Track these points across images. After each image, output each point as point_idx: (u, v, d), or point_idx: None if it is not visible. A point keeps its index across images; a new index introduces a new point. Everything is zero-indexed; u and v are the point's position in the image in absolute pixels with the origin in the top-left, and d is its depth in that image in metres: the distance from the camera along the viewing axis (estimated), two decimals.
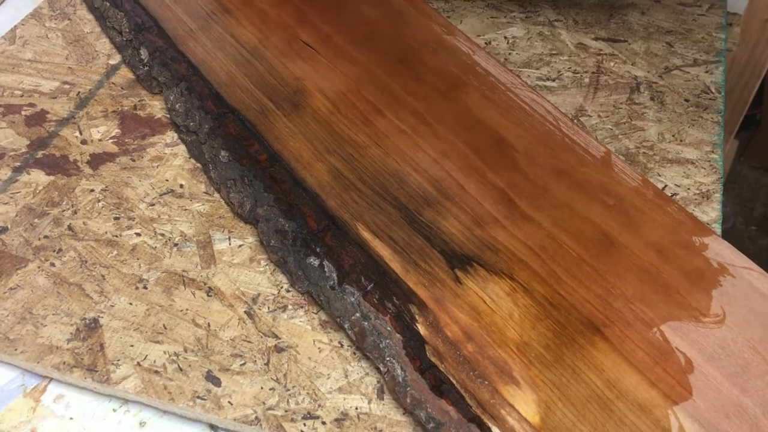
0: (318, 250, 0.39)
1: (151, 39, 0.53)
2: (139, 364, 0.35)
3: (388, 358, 0.34)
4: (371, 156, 0.44)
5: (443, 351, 0.34)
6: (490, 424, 0.31)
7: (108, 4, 0.56)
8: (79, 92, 0.51)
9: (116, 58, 0.54)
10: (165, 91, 0.50)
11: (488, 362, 0.33)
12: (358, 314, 0.36)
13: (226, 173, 0.43)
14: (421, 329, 0.35)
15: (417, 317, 0.35)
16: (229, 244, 0.41)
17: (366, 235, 0.39)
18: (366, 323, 0.35)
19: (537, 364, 0.33)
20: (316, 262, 0.38)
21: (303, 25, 0.53)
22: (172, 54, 0.51)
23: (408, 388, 0.33)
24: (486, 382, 0.33)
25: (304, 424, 0.33)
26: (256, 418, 0.33)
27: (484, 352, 0.34)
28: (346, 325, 0.36)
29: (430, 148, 0.44)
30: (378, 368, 0.35)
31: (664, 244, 0.38)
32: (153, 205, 0.44)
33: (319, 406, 0.34)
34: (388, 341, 0.34)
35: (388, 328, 0.35)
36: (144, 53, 0.52)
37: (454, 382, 0.33)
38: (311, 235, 0.39)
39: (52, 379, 0.36)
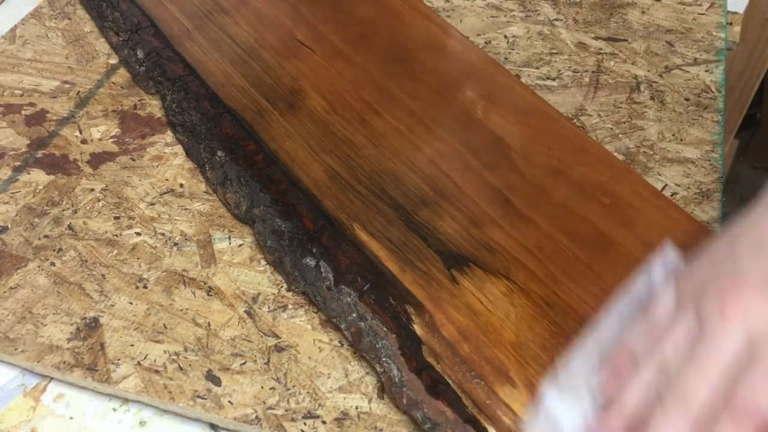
0: (314, 250, 0.39)
1: (148, 39, 0.53)
2: (139, 363, 0.36)
3: (384, 359, 0.34)
4: (368, 156, 0.44)
5: (439, 351, 0.34)
6: (486, 425, 0.31)
7: (105, 4, 0.56)
8: (79, 92, 0.52)
9: (116, 58, 0.54)
10: (161, 92, 0.50)
11: (484, 363, 0.33)
12: (354, 315, 0.36)
13: (222, 173, 0.44)
14: (418, 329, 0.35)
15: (413, 317, 0.35)
16: (229, 243, 0.42)
17: (362, 235, 0.39)
18: (362, 324, 0.35)
19: (533, 365, 0.33)
20: (313, 263, 0.38)
21: (299, 24, 0.53)
22: (168, 54, 0.51)
23: (404, 389, 0.33)
24: (482, 383, 0.33)
25: (305, 424, 0.33)
26: (257, 417, 0.33)
27: (480, 353, 0.34)
28: (342, 326, 0.36)
29: (427, 148, 0.44)
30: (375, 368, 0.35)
31: (661, 243, 0.38)
32: (153, 204, 0.44)
33: (320, 405, 0.34)
34: (384, 341, 0.34)
35: (385, 329, 0.35)
36: (140, 53, 0.52)
37: (451, 382, 0.33)
38: (307, 235, 0.39)
39: (52, 378, 0.36)
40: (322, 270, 0.38)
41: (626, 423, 0.27)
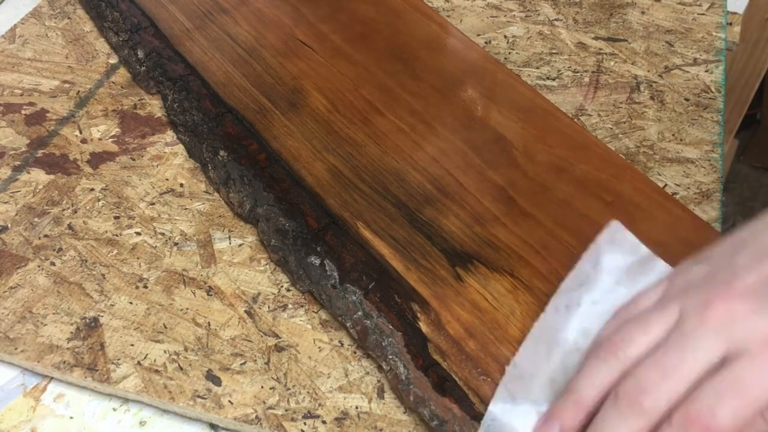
0: (319, 249, 0.38)
1: (148, 39, 0.53)
2: (139, 363, 0.35)
3: (390, 357, 0.34)
4: (370, 155, 0.44)
5: (445, 348, 0.34)
6: None
7: (104, 4, 0.56)
8: (79, 91, 0.51)
9: (116, 57, 0.54)
10: (162, 91, 0.50)
11: (491, 359, 0.33)
12: (359, 313, 0.36)
13: (225, 173, 0.43)
14: (423, 327, 0.35)
15: (419, 315, 0.35)
16: (230, 243, 0.41)
17: (366, 233, 0.39)
18: (368, 322, 0.35)
19: None
20: (317, 261, 0.38)
21: (300, 23, 0.53)
22: (168, 54, 0.51)
23: (411, 386, 0.33)
24: (489, 379, 0.33)
25: (305, 423, 0.33)
26: (257, 417, 0.33)
27: (486, 350, 0.34)
28: (348, 324, 0.36)
29: (429, 147, 0.44)
30: (379, 367, 0.35)
31: (664, 240, 0.38)
32: (153, 204, 0.44)
33: (320, 405, 0.34)
34: (390, 339, 0.34)
35: (390, 327, 0.35)
36: (141, 53, 0.52)
37: (457, 379, 0.33)
38: (312, 234, 0.39)
39: (52, 378, 0.36)
40: (327, 268, 0.37)
41: (580, 413, 0.27)
